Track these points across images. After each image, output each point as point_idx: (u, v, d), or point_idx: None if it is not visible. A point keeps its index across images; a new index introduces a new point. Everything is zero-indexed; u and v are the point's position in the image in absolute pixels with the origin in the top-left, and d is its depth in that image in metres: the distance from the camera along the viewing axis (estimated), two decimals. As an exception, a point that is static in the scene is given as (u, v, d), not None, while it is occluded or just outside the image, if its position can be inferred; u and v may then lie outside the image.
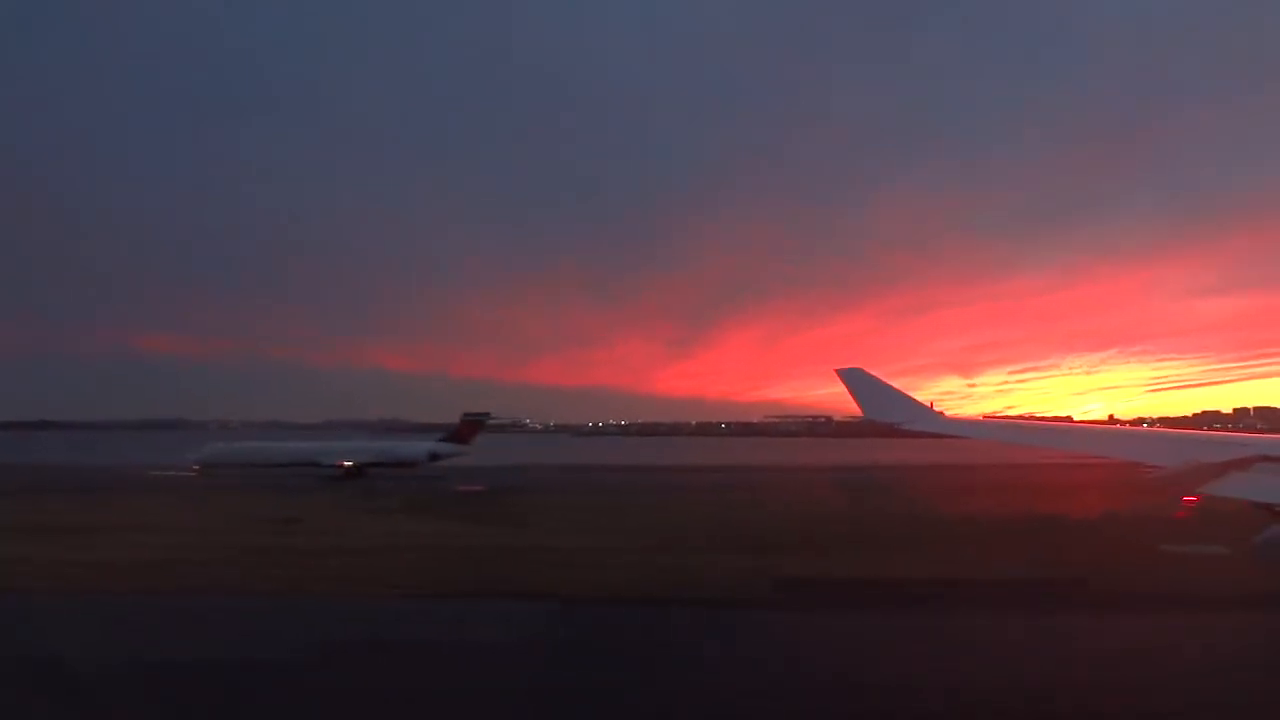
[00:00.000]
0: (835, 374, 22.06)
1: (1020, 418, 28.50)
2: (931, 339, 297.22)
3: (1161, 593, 25.65)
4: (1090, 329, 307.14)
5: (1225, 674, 17.64)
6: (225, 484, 65.74)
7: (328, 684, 17.39)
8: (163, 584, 27.38)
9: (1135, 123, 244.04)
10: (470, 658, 19.50)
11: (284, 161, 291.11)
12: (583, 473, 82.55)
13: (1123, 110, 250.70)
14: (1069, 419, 37.98)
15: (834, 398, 23.70)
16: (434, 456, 78.65)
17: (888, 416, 20.63)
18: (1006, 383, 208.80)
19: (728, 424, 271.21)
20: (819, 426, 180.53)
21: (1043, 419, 30.58)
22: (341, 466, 73.87)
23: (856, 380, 21.57)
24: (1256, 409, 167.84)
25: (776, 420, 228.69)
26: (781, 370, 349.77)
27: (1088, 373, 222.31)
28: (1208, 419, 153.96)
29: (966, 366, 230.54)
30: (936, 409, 20.84)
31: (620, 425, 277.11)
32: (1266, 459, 10.98)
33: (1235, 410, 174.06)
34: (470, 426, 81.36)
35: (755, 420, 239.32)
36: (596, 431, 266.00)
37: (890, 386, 21.55)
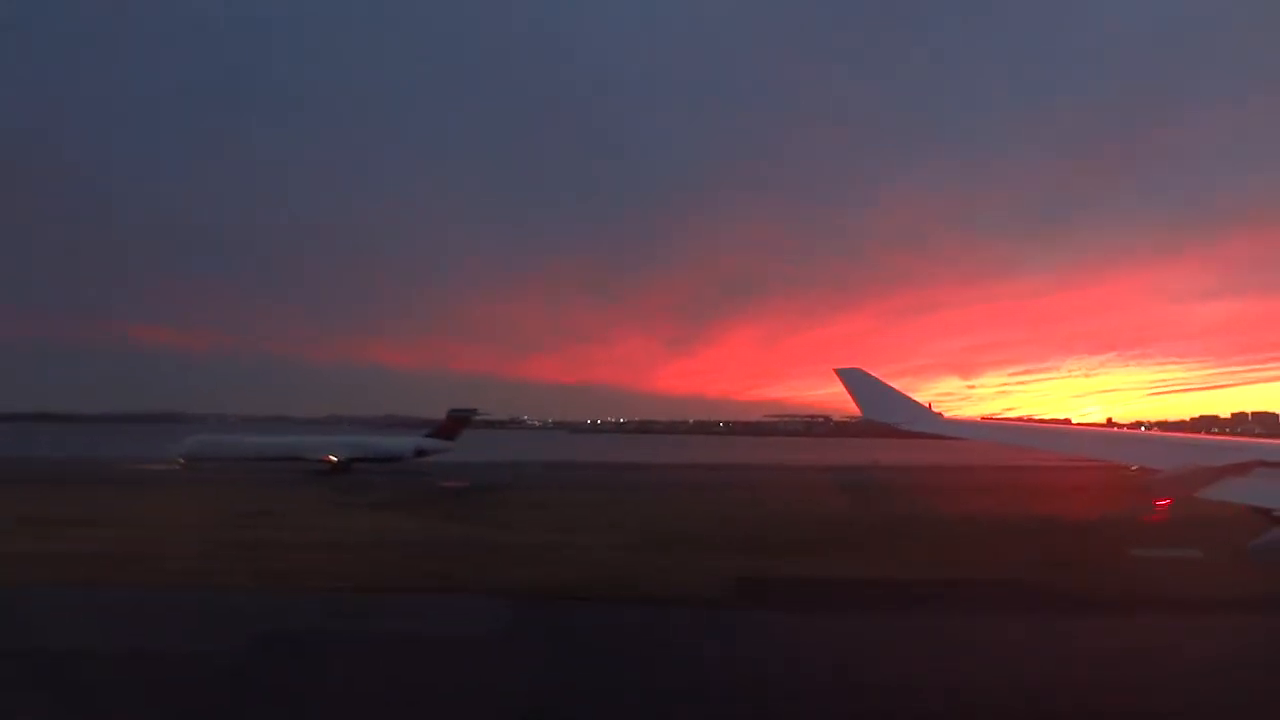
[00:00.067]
0: (835, 374, 22.10)
1: (1018, 420, 28.56)
2: (931, 340, 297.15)
3: (1120, 596, 25.31)
4: (1090, 331, 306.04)
5: (1181, 679, 17.52)
6: (204, 478, 64.82)
7: (210, 677, 17.28)
8: (92, 576, 26.98)
9: (1136, 124, 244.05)
10: (374, 652, 19.13)
11: (288, 159, 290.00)
12: (572, 470, 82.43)
13: (1123, 112, 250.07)
14: (1067, 421, 38.04)
15: (833, 397, 23.71)
16: (420, 452, 78.86)
17: (886, 417, 20.65)
18: (1006, 385, 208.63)
19: (726, 422, 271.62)
20: (817, 426, 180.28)
21: (1041, 421, 30.60)
22: (327, 461, 73.73)
23: (856, 380, 21.60)
24: (1254, 414, 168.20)
25: (775, 419, 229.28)
26: (781, 370, 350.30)
27: (1087, 375, 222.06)
28: (1205, 423, 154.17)
29: (966, 368, 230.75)
30: (935, 410, 20.88)
31: (618, 423, 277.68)
32: (1265, 464, 10.99)
33: (1233, 415, 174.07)
34: (456, 422, 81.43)
35: (754, 419, 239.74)
36: (594, 429, 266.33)
37: (889, 387, 21.58)
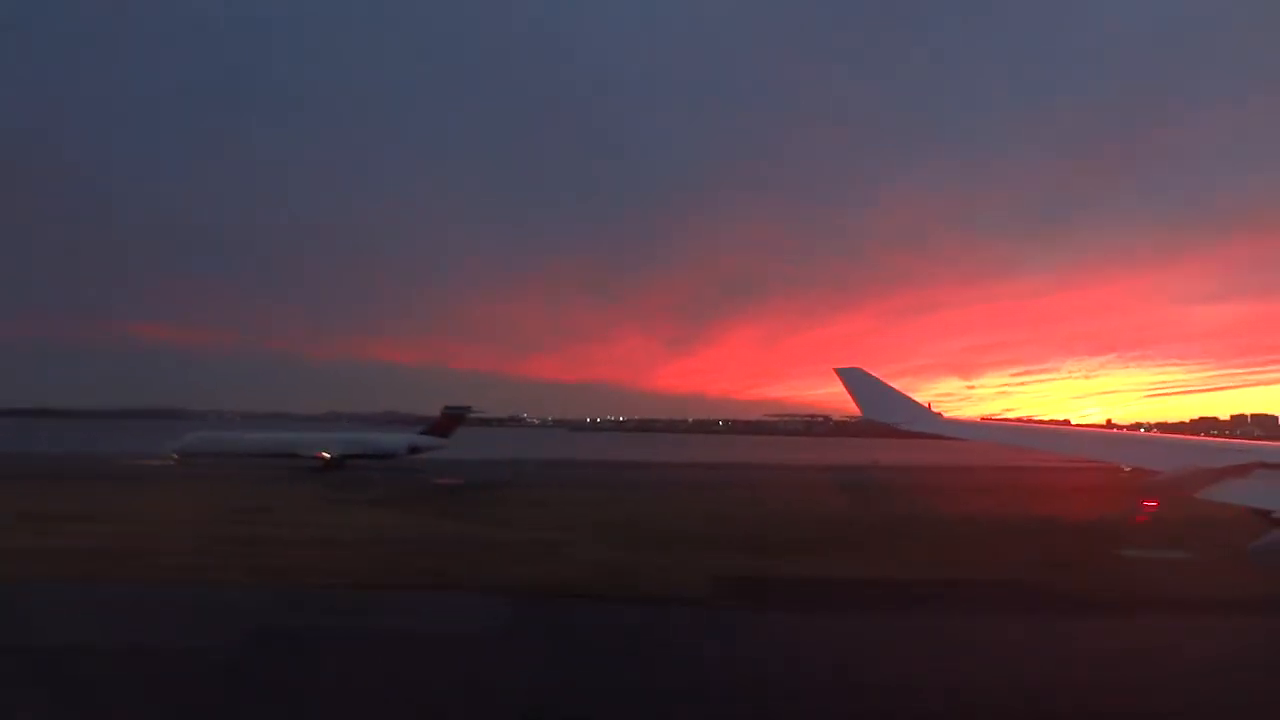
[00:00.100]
0: (835, 374, 22.06)
1: (1018, 420, 28.51)
2: (931, 340, 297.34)
3: (1110, 596, 25.40)
4: (1090, 332, 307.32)
5: (1180, 679, 17.55)
6: (198, 474, 64.66)
7: (207, 672, 17.31)
8: (90, 572, 27.00)
9: (1136, 124, 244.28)
10: (370, 649, 19.16)
11: (288, 159, 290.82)
12: (572, 468, 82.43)
13: (1123, 112, 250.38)
14: (1066, 422, 38.01)
15: (833, 397, 23.70)
16: (414, 449, 79.19)
17: (886, 417, 20.61)
18: (1006, 385, 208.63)
19: (725, 421, 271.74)
20: (816, 426, 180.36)
21: (1040, 422, 30.57)
22: (321, 457, 73.84)
23: (856, 380, 21.55)
24: (1254, 416, 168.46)
25: (775, 419, 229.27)
26: (781, 369, 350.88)
27: (1087, 377, 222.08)
28: (1205, 425, 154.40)
29: (966, 368, 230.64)
30: (935, 410, 20.83)
31: (618, 421, 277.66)
32: (1265, 465, 11.00)
33: (1233, 417, 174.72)
34: (450, 420, 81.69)
35: (754, 418, 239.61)
36: (594, 427, 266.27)
37: (889, 387, 21.53)
